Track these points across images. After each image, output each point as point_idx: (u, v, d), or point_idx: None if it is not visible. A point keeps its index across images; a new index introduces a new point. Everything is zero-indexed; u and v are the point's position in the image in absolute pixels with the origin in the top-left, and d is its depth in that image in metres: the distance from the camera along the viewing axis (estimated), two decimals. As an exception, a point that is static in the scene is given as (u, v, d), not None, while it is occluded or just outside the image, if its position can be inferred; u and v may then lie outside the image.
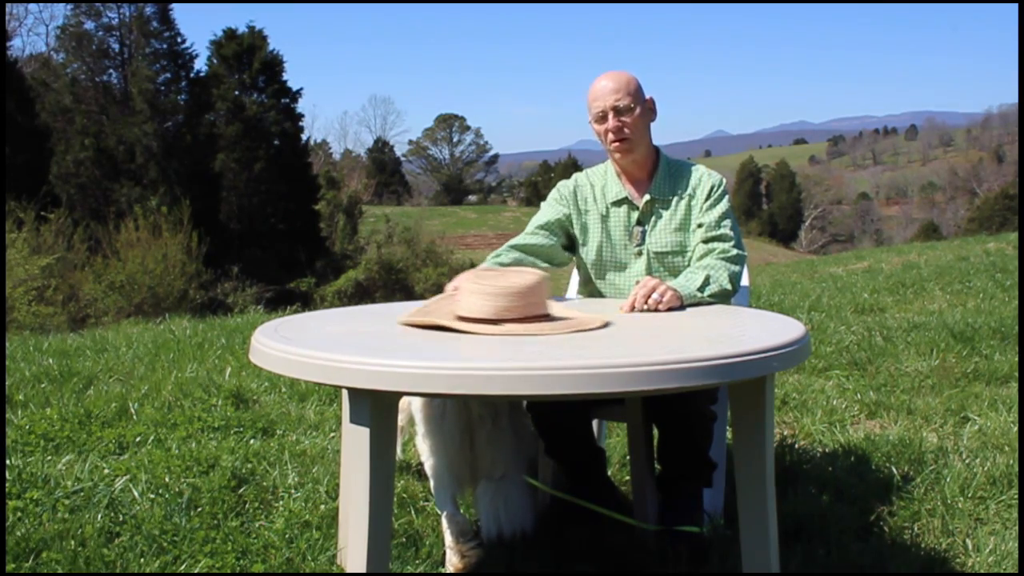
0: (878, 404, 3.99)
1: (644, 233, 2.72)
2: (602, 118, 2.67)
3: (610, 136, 2.67)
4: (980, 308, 6.25)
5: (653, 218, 2.73)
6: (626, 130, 2.66)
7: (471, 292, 2.15)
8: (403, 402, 2.78)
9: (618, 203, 2.76)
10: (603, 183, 2.80)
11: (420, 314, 2.20)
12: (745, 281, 2.98)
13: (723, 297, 2.55)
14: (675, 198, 2.72)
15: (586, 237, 2.79)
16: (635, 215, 2.74)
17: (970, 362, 4.59)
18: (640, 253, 2.73)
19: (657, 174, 2.74)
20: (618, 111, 2.65)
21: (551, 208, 2.82)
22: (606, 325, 2.16)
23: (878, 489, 2.97)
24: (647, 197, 2.72)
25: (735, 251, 2.62)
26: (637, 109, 2.66)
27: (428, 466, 2.59)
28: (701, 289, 2.49)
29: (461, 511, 2.59)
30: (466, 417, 2.48)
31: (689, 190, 2.72)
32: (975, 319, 5.56)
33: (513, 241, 2.78)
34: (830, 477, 3.08)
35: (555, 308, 2.27)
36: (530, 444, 2.68)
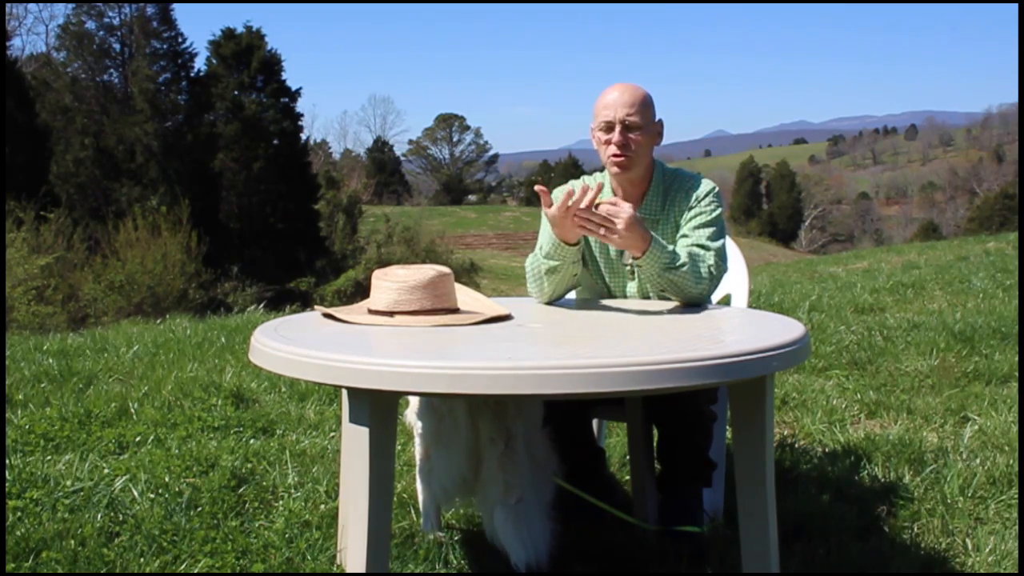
0: (878, 404, 3.98)
1: None
2: (608, 128, 2.57)
3: (612, 149, 2.57)
4: (980, 308, 6.24)
5: None
6: (632, 147, 2.56)
7: (375, 287, 2.30)
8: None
9: None
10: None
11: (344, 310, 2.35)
12: (745, 281, 2.97)
13: (681, 288, 2.46)
14: (663, 217, 2.64)
15: (587, 248, 2.73)
16: None
17: (970, 362, 4.59)
18: (634, 274, 2.68)
19: (649, 192, 2.65)
20: (628, 126, 2.55)
21: None
22: (509, 317, 2.30)
23: (878, 489, 2.97)
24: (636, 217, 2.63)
25: (712, 261, 2.49)
26: (646, 129, 2.58)
27: (420, 474, 2.53)
28: (672, 259, 2.40)
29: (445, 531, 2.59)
30: (474, 438, 2.32)
31: (677, 207, 2.64)
32: (975, 319, 5.56)
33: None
34: (830, 477, 3.08)
35: (466, 302, 2.37)
36: (549, 466, 2.49)
